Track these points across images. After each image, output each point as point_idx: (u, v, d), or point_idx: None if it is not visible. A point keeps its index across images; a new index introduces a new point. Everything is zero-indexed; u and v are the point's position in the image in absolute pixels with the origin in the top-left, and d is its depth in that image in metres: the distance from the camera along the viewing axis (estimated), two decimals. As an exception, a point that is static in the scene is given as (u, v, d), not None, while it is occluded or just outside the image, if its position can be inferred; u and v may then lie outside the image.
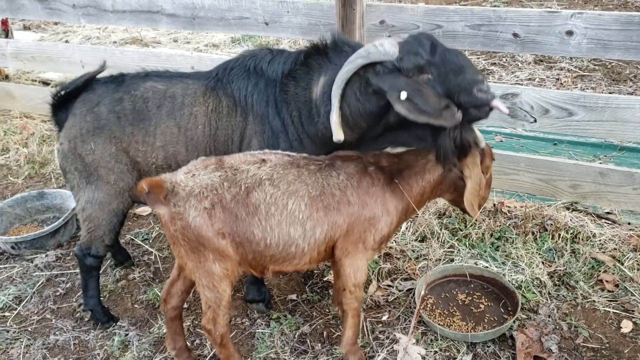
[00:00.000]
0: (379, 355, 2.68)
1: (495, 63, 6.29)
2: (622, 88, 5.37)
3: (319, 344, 2.79)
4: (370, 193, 2.37)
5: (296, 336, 2.84)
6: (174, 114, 2.70)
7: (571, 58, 6.09)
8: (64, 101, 2.83)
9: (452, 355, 2.68)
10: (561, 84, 5.59)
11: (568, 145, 4.38)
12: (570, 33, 3.01)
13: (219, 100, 2.70)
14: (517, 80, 5.76)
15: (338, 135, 2.40)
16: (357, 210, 2.35)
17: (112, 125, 2.71)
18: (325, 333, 2.86)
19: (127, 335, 2.90)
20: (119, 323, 2.99)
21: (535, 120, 3.27)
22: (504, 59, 6.33)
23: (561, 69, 5.92)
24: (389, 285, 3.16)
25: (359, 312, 2.56)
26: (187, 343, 2.80)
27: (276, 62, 2.67)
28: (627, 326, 2.78)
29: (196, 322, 2.97)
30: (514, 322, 2.78)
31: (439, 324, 2.79)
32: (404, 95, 2.23)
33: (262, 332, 2.87)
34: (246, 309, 3.04)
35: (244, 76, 2.70)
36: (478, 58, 6.39)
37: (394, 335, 2.79)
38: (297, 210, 2.27)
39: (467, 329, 2.80)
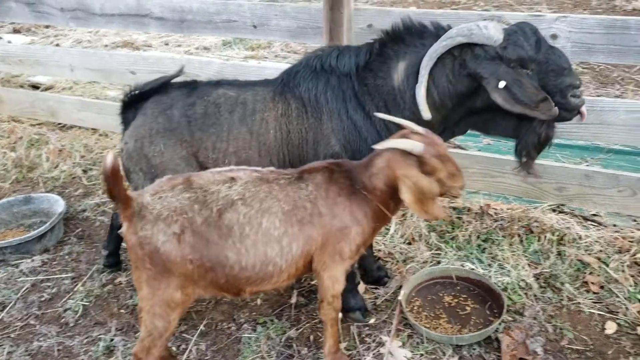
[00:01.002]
0: (365, 358, 2.68)
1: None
2: (609, 91, 5.40)
3: (305, 349, 2.79)
4: (338, 203, 2.31)
5: (282, 340, 2.84)
6: (246, 119, 2.70)
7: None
8: (135, 101, 2.84)
9: (437, 357, 2.69)
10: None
11: (555, 147, 4.34)
12: (554, 36, 3.03)
13: (288, 104, 2.70)
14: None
15: (426, 112, 2.42)
16: (328, 221, 2.29)
17: (183, 129, 2.70)
18: (311, 337, 2.85)
19: (112, 340, 2.89)
20: (104, 328, 2.98)
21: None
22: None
23: (550, 72, 5.92)
24: (376, 289, 3.16)
25: (338, 321, 2.54)
26: (173, 348, 2.80)
27: (346, 57, 2.67)
28: (611, 327, 2.80)
29: (182, 329, 2.96)
30: (500, 324, 2.78)
31: (424, 327, 2.79)
32: (502, 84, 2.27)
33: (248, 337, 2.87)
34: (232, 313, 3.04)
35: (311, 77, 2.70)
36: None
37: (380, 338, 2.79)
38: (272, 228, 2.21)
39: (453, 331, 2.81)
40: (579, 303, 2.96)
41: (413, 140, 2.20)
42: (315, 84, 2.66)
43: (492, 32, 2.30)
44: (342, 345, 2.76)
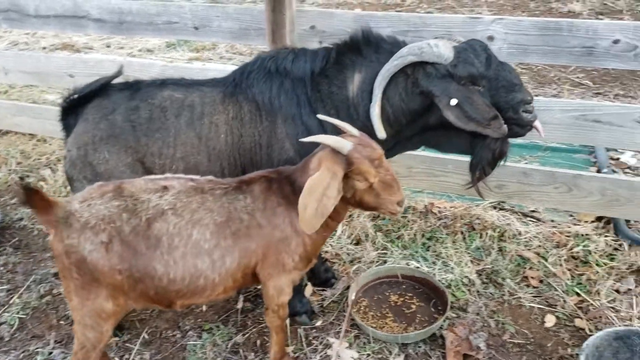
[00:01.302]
0: (311, 360, 2.68)
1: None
2: (547, 90, 5.58)
3: (252, 354, 2.76)
4: (277, 213, 2.24)
5: (229, 346, 2.80)
6: (194, 123, 2.61)
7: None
8: (75, 105, 2.71)
9: (384, 357, 2.71)
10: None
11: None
12: (491, 38, 3.10)
13: (240, 106, 2.62)
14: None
15: (381, 132, 2.41)
16: (269, 233, 2.23)
17: (127, 135, 2.59)
18: (258, 342, 2.83)
19: (50, 354, 2.79)
20: (42, 341, 2.87)
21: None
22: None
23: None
24: (323, 290, 3.16)
25: (283, 329, 2.53)
26: (116, 359, 2.72)
27: (302, 61, 2.61)
28: (550, 320, 2.88)
29: (125, 338, 2.88)
30: (444, 321, 2.83)
31: (371, 327, 2.81)
32: (454, 102, 2.28)
33: (193, 344, 2.82)
34: (177, 321, 2.98)
35: (265, 79, 2.62)
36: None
37: (327, 340, 2.80)
38: (203, 240, 2.13)
39: (399, 330, 2.83)
40: (520, 297, 3.04)
41: (345, 140, 2.14)
42: (269, 87, 2.60)
43: (443, 50, 2.31)
44: (290, 348, 2.75)
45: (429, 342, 2.78)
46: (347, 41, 2.59)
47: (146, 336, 2.88)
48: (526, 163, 4.20)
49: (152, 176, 2.30)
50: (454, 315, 2.93)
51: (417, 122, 2.51)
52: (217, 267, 2.17)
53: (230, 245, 2.18)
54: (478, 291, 3.09)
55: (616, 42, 2.90)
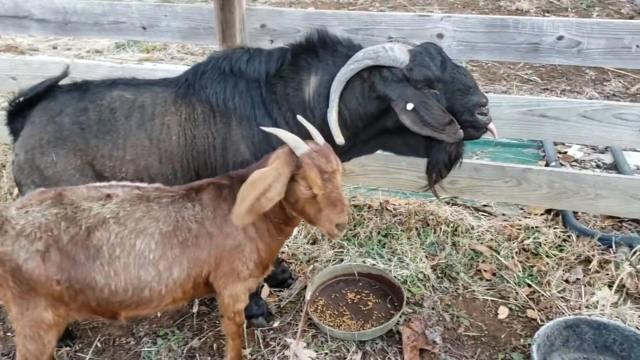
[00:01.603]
0: (269, 362, 2.66)
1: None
2: (496, 87, 5.70)
3: (209, 358, 2.72)
4: (228, 221, 2.14)
5: (185, 351, 2.75)
6: (145, 124, 2.53)
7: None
8: (22, 108, 2.60)
9: (342, 355, 2.71)
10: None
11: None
12: (440, 36, 3.14)
13: (193, 107, 2.55)
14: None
15: (339, 137, 2.39)
16: (220, 241, 2.17)
17: (75, 137, 2.50)
18: (215, 346, 2.79)
19: (-3, 366, 2.69)
20: (-13, 354, 2.77)
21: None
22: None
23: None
24: (280, 291, 3.14)
25: (240, 334, 2.49)
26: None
27: (256, 62, 2.56)
28: (503, 312, 2.94)
29: (76, 347, 2.80)
30: (400, 317, 2.85)
31: (328, 325, 2.81)
32: (410, 106, 2.27)
33: (148, 351, 2.75)
34: (130, 327, 2.91)
35: (219, 79, 2.56)
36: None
37: (285, 340, 2.78)
38: (147, 250, 2.05)
39: (357, 327, 2.84)
40: (474, 291, 3.09)
41: (304, 142, 2.10)
42: (223, 88, 2.55)
43: (398, 54, 2.30)
44: (247, 350, 2.72)
45: (386, 338, 2.79)
46: (302, 42, 2.56)
47: (99, 345, 2.81)
48: (477, 158, 4.28)
49: (97, 184, 2.22)
50: (410, 310, 2.95)
51: (374, 126, 2.51)
52: (163, 278, 2.10)
53: (177, 255, 2.11)
54: (433, 286, 3.12)
55: (560, 38, 2.98)
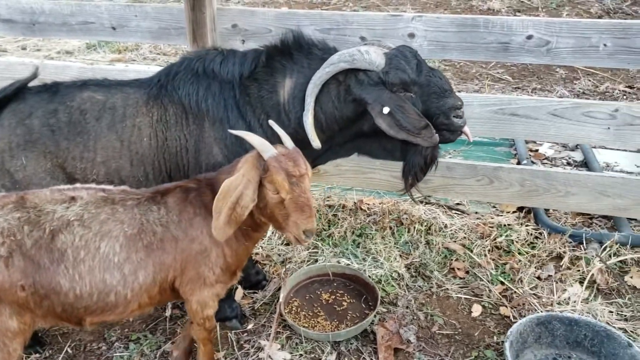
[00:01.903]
0: (243, 365, 2.64)
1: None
2: (469, 86, 5.75)
3: (182, 361, 2.69)
4: (194, 225, 2.13)
5: (157, 356, 2.71)
6: (115, 126, 2.49)
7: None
8: None
9: (317, 356, 2.70)
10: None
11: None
12: (412, 35, 3.15)
13: (165, 109, 2.51)
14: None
15: (315, 141, 2.37)
16: (187, 245, 2.12)
17: (45, 140, 2.44)
18: (193, 348, 2.75)
19: (-37, 375, 2.62)
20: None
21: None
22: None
23: (416, 70, 6.20)
24: (254, 293, 3.12)
25: (211, 340, 2.46)
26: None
27: (230, 63, 2.52)
28: (476, 310, 2.96)
29: (46, 354, 2.74)
30: (375, 316, 2.85)
31: (303, 326, 2.80)
32: (386, 110, 2.26)
33: (120, 356, 2.71)
34: (102, 332, 2.86)
35: (192, 80, 2.52)
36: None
37: (259, 343, 2.76)
38: (112, 253, 2.01)
39: (331, 328, 2.83)
40: (447, 289, 3.11)
41: (271, 146, 2.07)
42: (196, 89, 2.52)
43: (374, 57, 2.29)
44: (221, 353, 2.69)
45: (361, 338, 2.79)
46: (277, 44, 2.53)
47: (69, 350, 2.75)
48: (450, 157, 4.30)
49: (61, 186, 2.17)
50: (384, 310, 2.95)
51: (350, 129, 2.50)
52: (129, 282, 2.06)
53: (142, 258, 2.07)
54: (407, 285, 3.13)
55: (529, 37, 3.01)
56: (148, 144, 2.51)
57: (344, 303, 3.00)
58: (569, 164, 4.27)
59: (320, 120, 2.43)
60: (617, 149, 4.34)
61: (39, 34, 3.88)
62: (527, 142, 4.49)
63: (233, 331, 2.84)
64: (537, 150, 4.42)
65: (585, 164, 4.15)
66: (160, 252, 2.09)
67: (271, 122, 2.33)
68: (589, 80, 5.67)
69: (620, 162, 4.20)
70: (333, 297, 3.04)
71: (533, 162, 4.20)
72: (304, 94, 2.39)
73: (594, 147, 4.31)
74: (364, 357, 2.69)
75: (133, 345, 2.76)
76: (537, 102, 3.20)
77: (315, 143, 2.39)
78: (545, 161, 4.31)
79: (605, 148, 4.34)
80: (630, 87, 5.55)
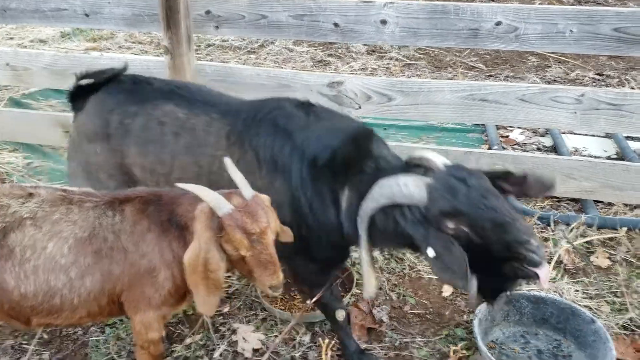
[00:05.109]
0: (219, 347, 2.68)
1: (331, 54, 6.51)
2: (443, 74, 5.82)
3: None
4: (146, 240, 1.98)
5: (133, 339, 2.74)
6: (194, 150, 2.38)
7: (400, 48, 6.48)
8: (82, 91, 2.65)
9: (291, 337, 2.75)
10: (391, 72, 5.93)
11: (395, 129, 4.67)
12: (384, 22, 3.20)
13: (245, 151, 2.34)
14: (352, 71, 6.01)
15: (370, 288, 2.16)
16: (135, 260, 1.99)
17: (118, 138, 2.49)
18: (164, 332, 2.78)
19: (-63, 362, 2.62)
20: None
21: (360, 107, 3.44)
22: (340, 50, 6.57)
23: (390, 59, 6.27)
24: (228, 277, 3.15)
25: None
26: (10, 361, 2.59)
27: (313, 137, 2.28)
28: (447, 290, 3.04)
29: (20, 340, 2.75)
30: (350, 298, 2.91)
31: (280, 309, 2.85)
32: (431, 252, 1.96)
33: (96, 340, 2.73)
34: (77, 317, 2.88)
35: (270, 132, 2.33)
36: (316, 49, 6.57)
37: (234, 326, 2.80)
38: (59, 255, 1.92)
39: (307, 310, 2.88)
40: (419, 270, 3.18)
41: (226, 199, 1.89)
42: (272, 144, 2.31)
43: (413, 190, 1.97)
44: (197, 336, 2.73)
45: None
46: (349, 147, 2.24)
47: (45, 336, 2.76)
48: (424, 143, 4.37)
49: (22, 183, 2.16)
50: (358, 291, 3.01)
51: (405, 245, 2.23)
52: (75, 287, 1.96)
53: (90, 264, 1.97)
54: (381, 267, 3.19)
55: (498, 24, 3.07)
56: (229, 179, 2.26)
57: (319, 286, 3.05)
58: (539, 149, 4.37)
59: (375, 241, 2.17)
60: (585, 134, 4.44)
61: (11, 21, 3.85)
62: (498, 128, 4.58)
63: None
64: (507, 136, 4.51)
65: (554, 149, 4.25)
66: (109, 260, 1.99)
67: (226, 160, 2.09)
68: (560, 68, 5.78)
69: (589, 147, 4.31)
70: (308, 280, 3.09)
71: (504, 148, 4.29)
72: (356, 214, 2.14)
73: (563, 133, 4.41)
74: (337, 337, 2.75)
75: (109, 329, 2.78)
76: (506, 88, 3.27)
77: (369, 291, 2.17)
78: (516, 147, 4.40)
79: (574, 133, 4.44)
80: (599, 74, 5.67)
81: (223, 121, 2.42)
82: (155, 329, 2.13)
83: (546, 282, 1.95)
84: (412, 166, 2.15)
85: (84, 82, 2.65)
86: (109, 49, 6.81)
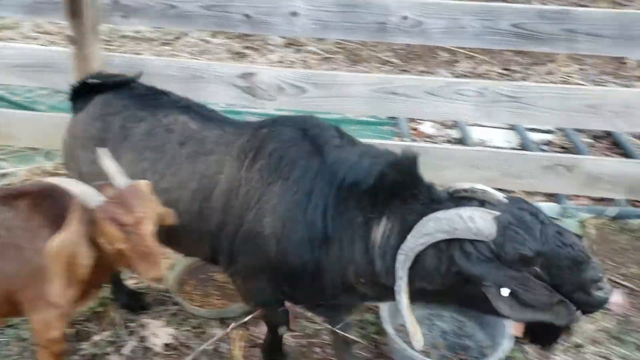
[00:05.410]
0: (128, 343, 2.62)
1: (248, 47, 6.47)
2: (359, 68, 5.92)
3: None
4: (40, 236, 1.89)
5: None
6: (195, 158, 2.25)
7: (318, 41, 6.53)
8: (87, 91, 2.52)
9: (204, 331, 2.74)
10: (308, 66, 5.97)
11: (310, 121, 4.70)
12: (294, 14, 3.21)
13: (254, 160, 2.15)
14: (270, 63, 5.99)
15: (417, 339, 1.86)
16: (29, 257, 1.91)
17: (115, 143, 2.32)
18: (75, 330, 2.69)
19: None
20: None
21: (273, 99, 3.45)
22: (257, 43, 6.54)
23: (308, 52, 6.32)
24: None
25: None
26: None
27: (349, 160, 2.05)
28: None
29: None
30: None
31: (196, 306, 2.83)
32: (506, 292, 1.75)
33: (-6, 342, 2.61)
34: (-25, 320, 2.73)
35: (295, 138, 2.14)
36: (233, 42, 6.51)
37: (144, 321, 2.75)
38: None
39: (222, 306, 2.88)
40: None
41: (99, 191, 1.84)
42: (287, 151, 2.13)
43: (482, 226, 1.74)
44: (105, 333, 2.66)
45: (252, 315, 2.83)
46: (391, 173, 1.99)
47: (-61, 341, 2.61)
48: (339, 136, 4.43)
49: None
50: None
51: (449, 294, 1.97)
52: None
53: None
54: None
55: (405, 18, 3.15)
56: (220, 189, 2.20)
57: (237, 281, 3.04)
58: (449, 141, 4.54)
59: (413, 287, 1.89)
60: (491, 127, 4.66)
61: None
62: (410, 121, 4.71)
63: (118, 312, 2.80)
64: (417, 129, 4.66)
65: (462, 141, 4.44)
66: (1, 258, 1.91)
67: (100, 150, 2.03)
68: (469, 63, 6.03)
69: (494, 139, 4.52)
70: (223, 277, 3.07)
71: (414, 140, 4.43)
72: (395, 249, 1.90)
73: (470, 125, 4.60)
74: (250, 330, 2.75)
75: (10, 330, 2.66)
76: (415, 82, 3.36)
77: (417, 342, 1.87)
78: (427, 139, 4.55)
79: (481, 126, 4.64)
80: (506, 69, 5.96)
81: (237, 133, 2.27)
82: (56, 328, 2.05)
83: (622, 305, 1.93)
84: (461, 198, 1.93)
85: (91, 81, 2.51)
86: (12, 39, 6.46)
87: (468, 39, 3.17)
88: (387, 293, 1.93)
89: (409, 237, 1.84)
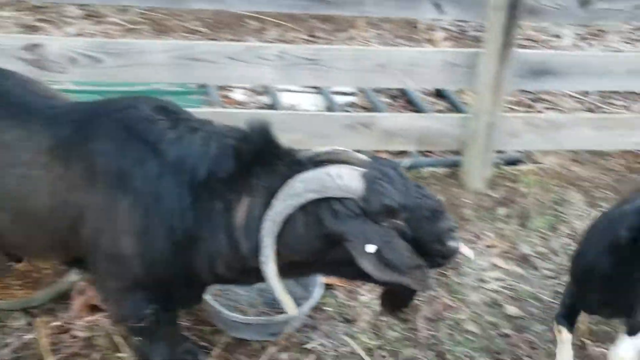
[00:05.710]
0: None
1: (41, 19, 5.94)
2: (166, 39, 5.73)
3: None
4: None
5: None
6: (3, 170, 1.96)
7: (120, 11, 6.19)
8: None
9: (6, 323, 2.57)
10: (111, 38, 5.65)
11: (115, 95, 4.47)
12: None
13: (70, 162, 1.93)
14: (67, 37, 5.56)
15: (289, 307, 1.87)
16: None
17: None
18: None
19: None
20: None
21: (65, 71, 3.22)
22: (51, 15, 6.03)
23: (110, 23, 5.97)
24: None
25: None
26: None
27: (194, 151, 1.90)
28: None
29: None
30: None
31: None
32: (371, 248, 1.75)
33: None
34: None
35: (119, 136, 1.93)
36: (22, 13, 5.92)
37: None
38: None
39: (24, 295, 2.69)
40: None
41: None
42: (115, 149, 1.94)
43: (349, 182, 1.77)
44: None
45: (58, 300, 2.70)
46: (241, 147, 1.94)
47: None
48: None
49: None
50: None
51: (319, 260, 1.96)
52: None
53: None
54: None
55: (199, -16, 3.13)
56: (42, 203, 1.96)
57: (43, 269, 2.83)
58: (260, 107, 4.62)
59: (281, 254, 1.86)
60: (300, 92, 4.82)
61: None
62: (220, 89, 4.70)
63: None
64: (228, 97, 4.68)
65: (273, 106, 4.55)
66: None
67: None
68: (276, 31, 6.15)
69: (302, 103, 4.70)
70: (29, 266, 2.84)
71: (225, 107, 4.43)
72: (262, 218, 1.85)
73: (280, 91, 4.72)
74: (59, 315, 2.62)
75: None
76: (215, 47, 3.36)
77: (290, 308, 1.90)
78: (237, 106, 4.58)
79: (290, 91, 4.78)
80: (312, 35, 6.18)
81: (45, 132, 1.99)
82: None
83: (470, 252, 2.02)
84: (323, 161, 1.91)
85: None
86: None
87: (264, 3, 3.25)
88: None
89: (274, 202, 1.81)
